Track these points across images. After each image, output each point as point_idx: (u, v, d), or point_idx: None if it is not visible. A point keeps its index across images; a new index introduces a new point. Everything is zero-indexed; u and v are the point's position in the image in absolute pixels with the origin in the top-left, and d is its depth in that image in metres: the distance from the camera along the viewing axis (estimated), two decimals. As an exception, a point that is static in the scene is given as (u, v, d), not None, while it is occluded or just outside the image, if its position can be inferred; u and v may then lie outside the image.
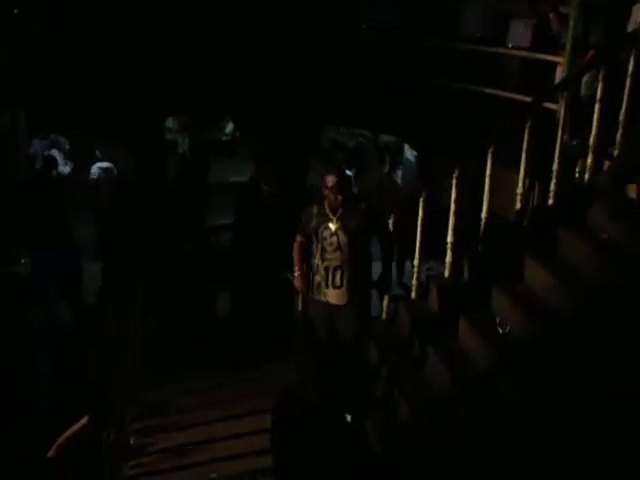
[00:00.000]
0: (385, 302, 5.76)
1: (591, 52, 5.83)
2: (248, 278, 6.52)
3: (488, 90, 7.18)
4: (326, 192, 4.93)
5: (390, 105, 7.83)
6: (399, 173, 12.02)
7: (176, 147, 14.88)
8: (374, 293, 5.58)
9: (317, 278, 4.97)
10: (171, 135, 14.34)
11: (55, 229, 8.50)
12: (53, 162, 9.85)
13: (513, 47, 7.31)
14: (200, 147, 12.33)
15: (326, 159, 11.33)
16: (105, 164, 10.88)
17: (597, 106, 5.26)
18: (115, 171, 10.82)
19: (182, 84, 7.98)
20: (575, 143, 5.67)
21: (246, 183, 6.91)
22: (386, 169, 9.54)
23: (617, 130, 5.21)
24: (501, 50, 7.35)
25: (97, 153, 10.93)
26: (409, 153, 11.89)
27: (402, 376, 4.98)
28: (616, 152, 5.23)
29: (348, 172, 10.37)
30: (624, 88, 5.13)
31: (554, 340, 4.13)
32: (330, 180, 4.89)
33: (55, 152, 10.52)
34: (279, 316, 6.52)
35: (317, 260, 4.93)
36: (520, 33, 7.36)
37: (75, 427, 5.10)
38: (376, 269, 5.27)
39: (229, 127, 15.77)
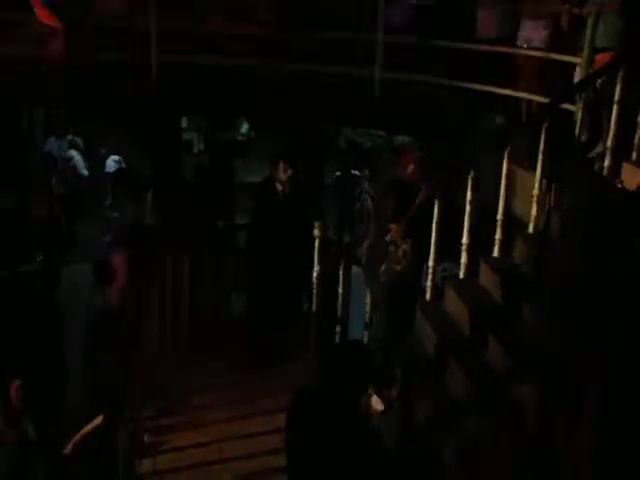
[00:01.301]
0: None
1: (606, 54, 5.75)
2: (263, 277, 6.52)
3: (504, 91, 7.15)
4: (410, 171, 4.85)
5: (405, 106, 7.81)
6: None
7: (191, 147, 14.97)
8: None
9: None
10: (186, 135, 14.38)
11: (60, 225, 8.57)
12: (52, 160, 9.96)
13: (527, 47, 7.25)
14: (218, 147, 12.36)
15: (341, 159, 11.30)
16: (116, 157, 11.02)
17: (615, 107, 5.22)
18: (122, 164, 10.94)
19: (198, 83, 8.00)
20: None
21: (261, 183, 6.91)
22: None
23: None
24: (518, 50, 7.29)
25: (103, 151, 11.13)
26: (424, 154, 11.85)
27: (418, 376, 4.97)
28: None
29: (355, 172, 10.43)
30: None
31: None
32: (416, 155, 4.82)
33: (74, 152, 10.62)
34: (293, 315, 6.51)
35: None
36: (533, 33, 7.29)
37: (90, 425, 5.15)
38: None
39: (244, 127, 15.79)
